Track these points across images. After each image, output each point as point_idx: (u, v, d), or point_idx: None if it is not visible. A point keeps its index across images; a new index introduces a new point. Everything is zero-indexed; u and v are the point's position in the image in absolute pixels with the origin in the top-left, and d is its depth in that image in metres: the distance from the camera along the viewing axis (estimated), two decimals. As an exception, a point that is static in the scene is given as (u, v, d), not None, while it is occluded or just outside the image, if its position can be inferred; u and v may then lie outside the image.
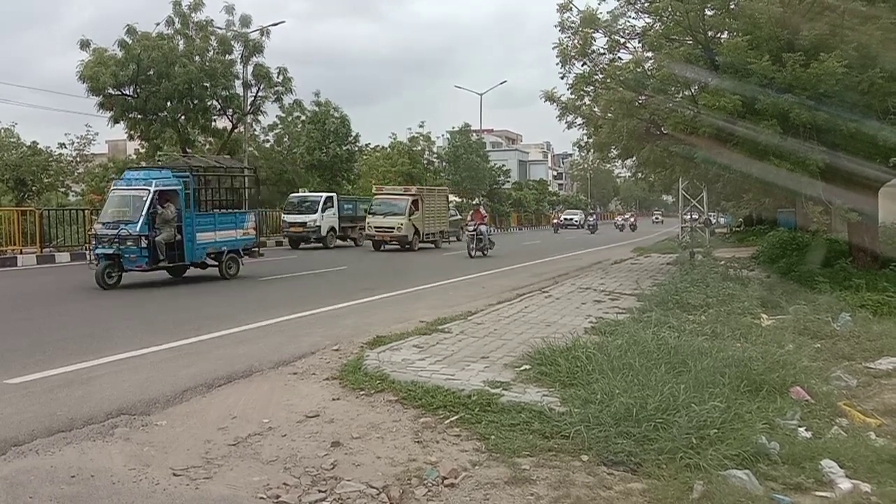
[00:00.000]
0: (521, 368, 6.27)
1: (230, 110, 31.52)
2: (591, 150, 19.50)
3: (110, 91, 27.96)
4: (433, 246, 29.05)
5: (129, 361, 7.18)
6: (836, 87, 9.88)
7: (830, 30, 10.15)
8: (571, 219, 62.85)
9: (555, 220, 56.58)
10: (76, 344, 8.08)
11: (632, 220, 60.79)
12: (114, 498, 3.82)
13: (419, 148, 48.62)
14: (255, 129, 36.45)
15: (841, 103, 10.03)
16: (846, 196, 11.02)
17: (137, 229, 13.47)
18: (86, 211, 23.61)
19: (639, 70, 13.07)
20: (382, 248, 27.18)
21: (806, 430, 4.66)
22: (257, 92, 32.04)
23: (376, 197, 28.89)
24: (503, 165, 64.15)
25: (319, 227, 28.10)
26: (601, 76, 14.42)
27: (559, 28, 14.56)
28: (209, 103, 30.27)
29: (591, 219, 54.46)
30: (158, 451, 4.54)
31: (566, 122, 15.51)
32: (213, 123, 31.99)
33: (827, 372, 6.17)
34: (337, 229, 29.33)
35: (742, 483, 3.77)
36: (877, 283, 10.69)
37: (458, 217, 37.65)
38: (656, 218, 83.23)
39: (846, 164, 10.55)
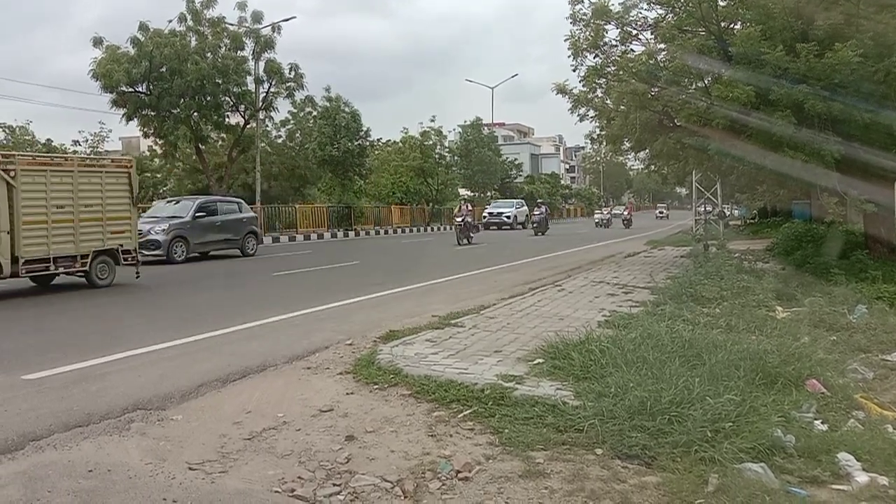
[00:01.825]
0: (535, 362, 6.25)
1: (242, 106, 31.68)
2: (604, 143, 19.50)
3: (123, 88, 28.18)
4: (84, 279, 13.30)
5: (142, 357, 7.23)
6: (852, 77, 9.77)
7: (845, 19, 10.03)
8: (501, 213, 43.84)
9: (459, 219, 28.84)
10: (89, 340, 8.15)
11: (626, 213, 48.55)
12: (130, 492, 3.85)
13: (431, 142, 48.60)
14: (267, 125, 36.64)
15: (856, 93, 9.91)
16: (862, 187, 10.90)
17: None
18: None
19: (651, 62, 13.00)
20: None
21: (822, 423, 4.62)
22: (269, 88, 32.19)
23: None
24: (515, 159, 64.18)
25: None
26: (613, 68, 14.33)
27: (571, 20, 14.48)
28: (222, 100, 30.40)
29: (538, 213, 36.60)
30: (174, 446, 4.58)
31: (578, 115, 15.47)
32: (226, 120, 32.14)
33: (843, 364, 6.11)
34: None
35: (757, 476, 3.74)
36: (893, 274, 10.57)
37: (242, 216, 22.30)
38: (660, 212, 71.27)
39: (862, 154, 10.44)
